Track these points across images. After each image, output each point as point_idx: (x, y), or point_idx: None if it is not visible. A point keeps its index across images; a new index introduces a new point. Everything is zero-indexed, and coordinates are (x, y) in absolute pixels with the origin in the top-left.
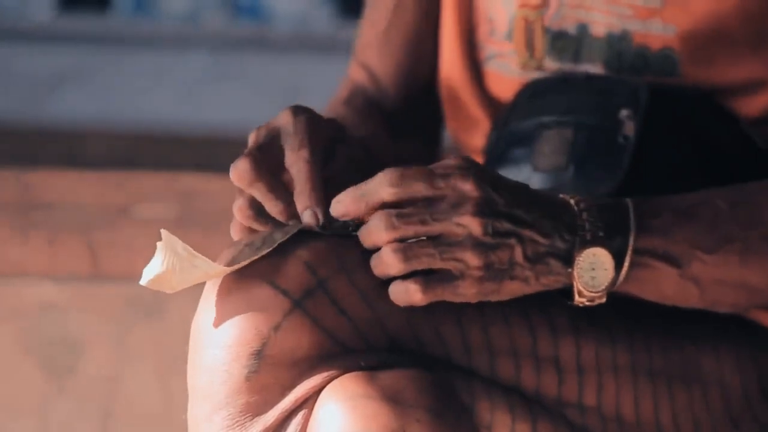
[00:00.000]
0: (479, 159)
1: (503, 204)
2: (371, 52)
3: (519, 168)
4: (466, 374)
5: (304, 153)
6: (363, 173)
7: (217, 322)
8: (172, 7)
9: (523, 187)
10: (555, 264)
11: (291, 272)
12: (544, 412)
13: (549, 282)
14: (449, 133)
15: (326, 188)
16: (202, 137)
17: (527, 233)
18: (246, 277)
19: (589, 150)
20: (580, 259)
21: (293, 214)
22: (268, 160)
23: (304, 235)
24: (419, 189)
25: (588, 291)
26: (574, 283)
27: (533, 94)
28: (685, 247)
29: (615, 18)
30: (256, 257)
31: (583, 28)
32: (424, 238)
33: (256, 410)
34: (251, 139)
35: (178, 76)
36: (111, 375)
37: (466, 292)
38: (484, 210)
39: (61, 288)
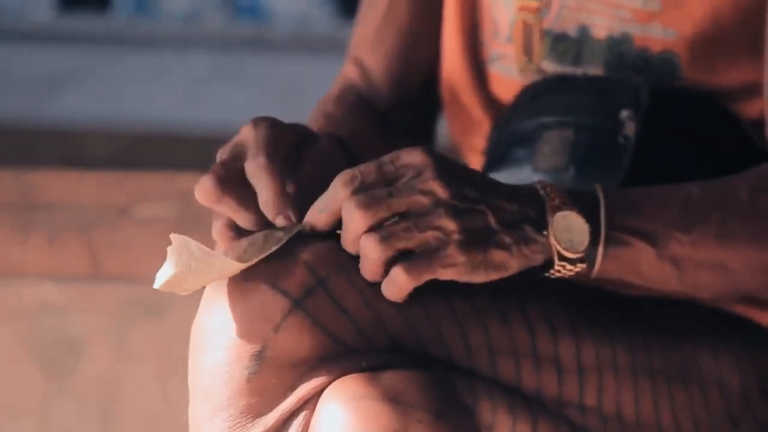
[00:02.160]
0: (480, 159)
1: (461, 172)
2: (365, 49)
3: (520, 168)
4: (467, 374)
5: (261, 160)
6: (337, 173)
7: (218, 324)
8: (172, 7)
9: (478, 171)
10: (530, 230)
11: (291, 272)
12: (545, 412)
13: (529, 252)
14: (450, 133)
15: (297, 192)
16: (202, 137)
17: (493, 200)
18: (246, 278)
19: (590, 150)
20: (554, 221)
21: (266, 223)
22: (234, 175)
23: (303, 235)
24: (372, 174)
25: (568, 252)
26: (552, 245)
27: (534, 94)
28: (661, 225)
29: (615, 21)
30: (267, 253)
31: (583, 31)
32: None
33: (257, 411)
34: (218, 157)
35: (178, 76)
36: (111, 375)
37: (455, 259)
38: (444, 174)
39: (61, 288)
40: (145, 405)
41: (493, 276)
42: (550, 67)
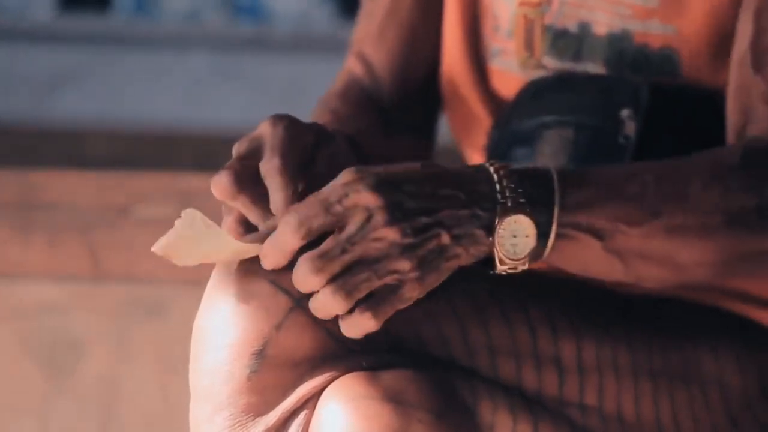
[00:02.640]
0: (480, 156)
1: (410, 201)
2: (368, 43)
3: None
4: (468, 374)
5: (276, 162)
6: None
7: (219, 322)
8: (173, 7)
9: (429, 171)
10: (479, 234)
11: (292, 271)
12: (546, 412)
13: (477, 252)
14: (450, 130)
15: (307, 193)
16: (202, 137)
17: (446, 214)
18: (247, 276)
19: (590, 150)
20: (501, 227)
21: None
22: (249, 172)
23: None
24: (322, 222)
25: (509, 259)
26: (495, 252)
27: (534, 93)
28: (609, 220)
29: (616, 17)
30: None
31: (584, 27)
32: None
33: (257, 410)
34: (234, 151)
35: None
36: (111, 375)
37: (411, 295)
38: (395, 215)
39: (62, 288)
40: (145, 405)
41: (442, 279)
42: (551, 63)
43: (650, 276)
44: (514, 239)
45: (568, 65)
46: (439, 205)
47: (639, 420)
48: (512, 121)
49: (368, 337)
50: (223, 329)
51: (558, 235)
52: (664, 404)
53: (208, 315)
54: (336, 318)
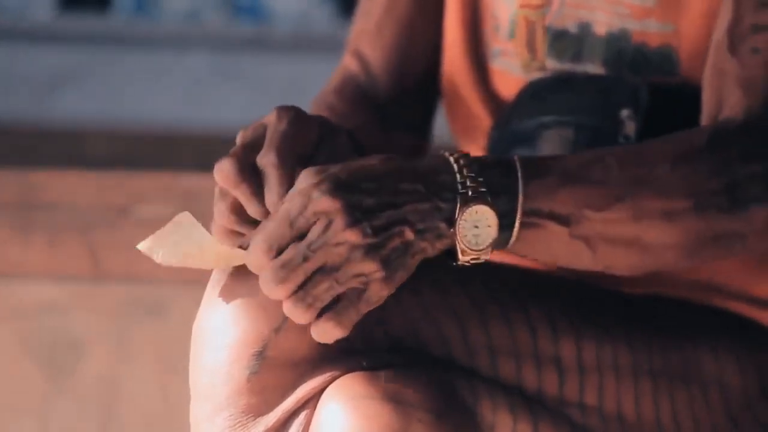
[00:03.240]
0: None
1: (369, 199)
2: (365, 41)
3: None
4: (468, 374)
5: (272, 158)
6: None
7: (219, 323)
8: (172, 7)
9: (389, 166)
10: (442, 226)
11: None
12: (546, 412)
13: (442, 245)
14: (450, 130)
15: None
16: (202, 137)
17: (408, 209)
18: (247, 277)
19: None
20: (462, 218)
21: None
22: (252, 161)
23: None
24: (289, 239)
25: (471, 250)
26: (457, 243)
27: (534, 93)
28: (573, 206)
29: (615, 17)
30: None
31: (584, 27)
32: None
33: (257, 411)
34: (238, 137)
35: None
36: (111, 375)
37: (379, 295)
38: (354, 216)
39: (62, 288)
40: (145, 405)
41: (411, 272)
42: (550, 63)
43: (618, 262)
44: (476, 230)
45: (567, 66)
46: (400, 200)
47: (639, 420)
48: (512, 121)
49: (368, 337)
50: (222, 330)
51: (522, 224)
52: (664, 404)
53: (208, 315)
54: None
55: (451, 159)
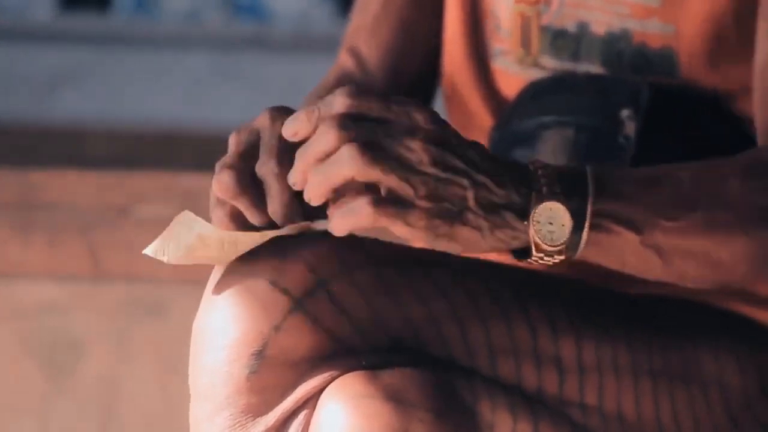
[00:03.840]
0: None
1: (457, 144)
2: (361, 38)
3: None
4: (468, 374)
5: (272, 166)
6: None
7: (218, 322)
8: (173, 6)
9: (479, 144)
10: (510, 217)
11: (292, 272)
12: (546, 411)
13: (505, 237)
14: None
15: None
16: (202, 137)
17: (481, 178)
18: (247, 276)
19: (590, 150)
20: (537, 212)
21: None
22: (251, 170)
23: (304, 235)
24: (373, 106)
25: (546, 244)
26: (531, 236)
27: (534, 94)
28: (646, 213)
29: (614, 17)
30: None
31: (583, 27)
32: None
33: (257, 411)
34: (231, 142)
35: (178, 76)
36: (111, 375)
37: (415, 223)
38: (436, 140)
39: (62, 288)
40: (145, 405)
41: (457, 249)
42: (549, 63)
43: (689, 273)
44: (551, 226)
45: (566, 65)
46: (480, 167)
47: (639, 419)
48: (512, 121)
49: (369, 337)
50: (222, 329)
51: (594, 226)
52: (664, 404)
53: (208, 315)
54: (336, 318)
55: (531, 167)
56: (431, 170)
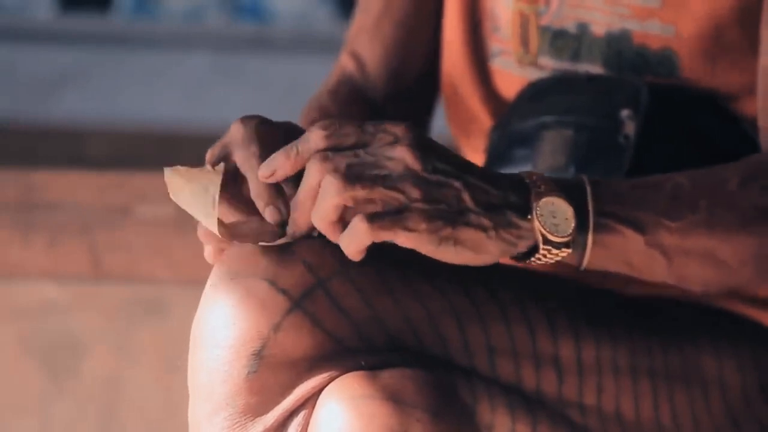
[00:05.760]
0: (480, 158)
1: (441, 150)
2: (362, 40)
3: (520, 168)
4: (467, 374)
5: (255, 150)
6: None
7: (217, 322)
8: (173, 7)
9: (464, 159)
10: (513, 216)
11: (291, 272)
12: (545, 411)
13: (511, 237)
14: (450, 131)
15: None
16: (202, 137)
17: (472, 179)
18: (246, 276)
19: (590, 150)
20: (539, 206)
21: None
22: (229, 184)
23: (303, 235)
24: (348, 131)
25: (553, 236)
26: (537, 229)
27: (534, 94)
28: (649, 213)
29: (614, 17)
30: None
31: (582, 27)
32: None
33: (256, 411)
34: (207, 158)
35: (178, 75)
36: (112, 375)
37: (415, 226)
38: (420, 144)
39: (62, 288)
40: (145, 405)
41: (468, 256)
42: (549, 63)
43: (693, 274)
44: (554, 219)
45: (566, 65)
46: (470, 170)
47: (638, 420)
48: (512, 121)
49: (368, 337)
50: (221, 329)
51: (598, 225)
52: (663, 404)
53: (207, 315)
54: (335, 318)
55: (524, 174)
56: (420, 174)
